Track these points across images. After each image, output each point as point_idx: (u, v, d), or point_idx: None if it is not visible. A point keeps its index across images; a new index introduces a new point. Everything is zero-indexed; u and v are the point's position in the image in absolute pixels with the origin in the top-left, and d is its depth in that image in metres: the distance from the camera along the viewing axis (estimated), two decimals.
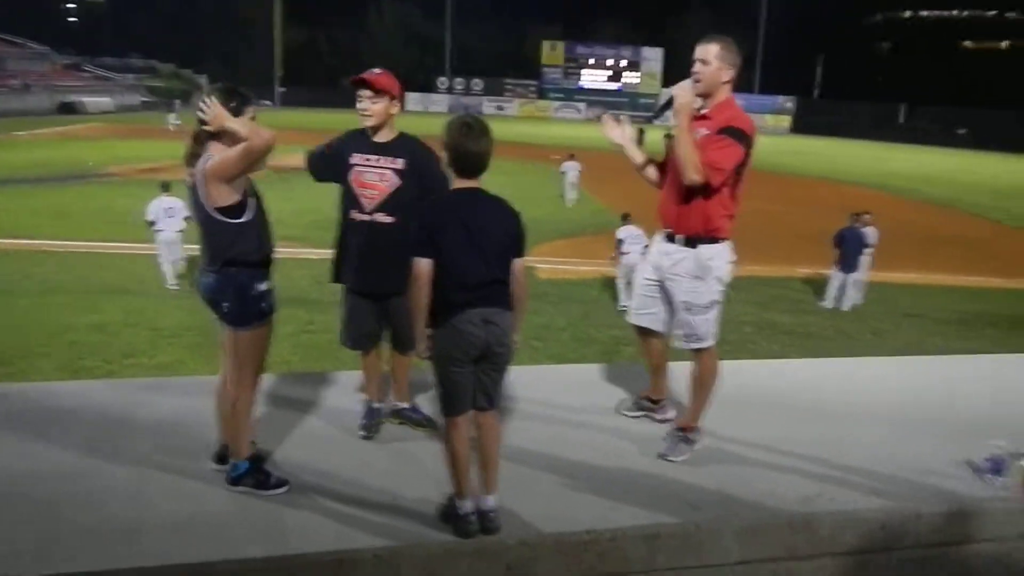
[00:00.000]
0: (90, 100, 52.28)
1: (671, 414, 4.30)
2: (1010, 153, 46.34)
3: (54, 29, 75.29)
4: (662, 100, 3.77)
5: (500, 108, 64.34)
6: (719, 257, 3.84)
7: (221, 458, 3.46)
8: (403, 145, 3.88)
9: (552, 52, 69.88)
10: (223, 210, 3.20)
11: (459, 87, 68.76)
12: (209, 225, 3.24)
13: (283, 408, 4.27)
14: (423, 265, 3.02)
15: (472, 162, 3.08)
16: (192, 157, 3.26)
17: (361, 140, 3.87)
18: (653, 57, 68.52)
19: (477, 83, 69.43)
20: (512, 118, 59.22)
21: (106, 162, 23.64)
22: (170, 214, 10.74)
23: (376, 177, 3.81)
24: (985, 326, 10.74)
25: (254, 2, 71.05)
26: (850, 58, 76.99)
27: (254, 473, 3.36)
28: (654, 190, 4.14)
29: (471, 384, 3.11)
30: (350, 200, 3.85)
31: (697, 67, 3.74)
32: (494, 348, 3.08)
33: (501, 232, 3.11)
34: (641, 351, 4.33)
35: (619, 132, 4.05)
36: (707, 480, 3.69)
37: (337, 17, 75.24)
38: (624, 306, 10.70)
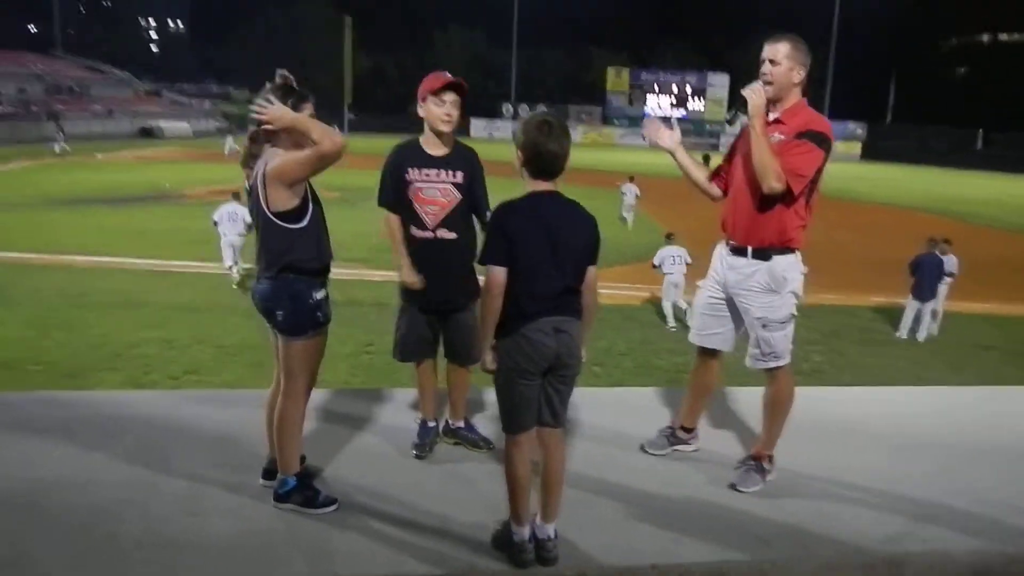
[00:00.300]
0: (168, 125, 54.08)
1: (699, 443, 4.06)
2: None
3: (137, 57, 78.85)
4: (735, 105, 3.55)
5: None
6: (793, 268, 3.61)
7: (269, 473, 3.37)
8: (461, 157, 3.77)
9: (617, 78, 69.84)
10: (282, 215, 3.11)
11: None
12: (267, 229, 3.15)
13: (335, 424, 4.18)
14: (499, 274, 2.84)
15: (550, 163, 2.90)
16: (250, 158, 3.19)
17: (416, 154, 3.74)
18: (719, 83, 67.77)
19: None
20: (576, 145, 58.83)
21: (182, 184, 24.37)
22: (232, 219, 11.57)
23: (438, 193, 3.70)
24: None
25: (326, 31, 73.06)
26: (924, 83, 74.80)
27: (302, 490, 3.25)
28: (713, 208, 3.91)
29: (537, 399, 2.94)
30: (409, 217, 3.73)
31: (766, 68, 3.53)
32: (564, 359, 2.90)
33: (579, 239, 2.93)
34: (694, 373, 4.04)
35: (667, 135, 3.81)
36: (780, 514, 3.43)
37: (404, 44, 76.70)
38: (673, 326, 10.62)
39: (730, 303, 3.76)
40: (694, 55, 75.69)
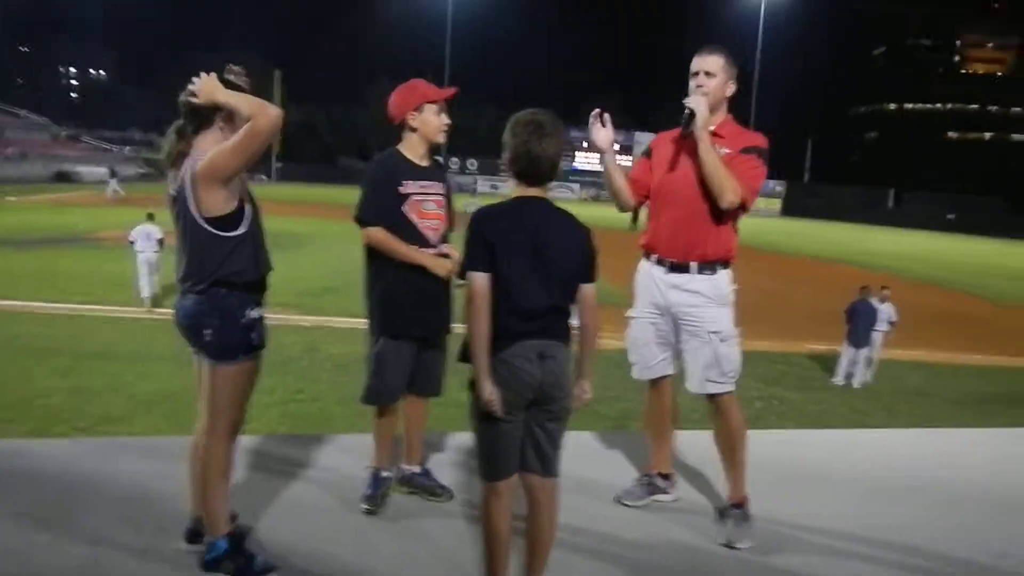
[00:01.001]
0: (85, 170, 52.41)
1: (678, 492, 3.75)
2: (997, 238, 47.24)
3: (57, 103, 76.69)
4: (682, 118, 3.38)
5: (495, 187, 64.73)
6: (730, 282, 3.49)
7: (194, 534, 2.86)
8: (439, 167, 3.61)
9: None
10: (216, 220, 2.68)
11: (454, 166, 69.47)
12: (197, 238, 2.69)
13: (269, 474, 3.67)
14: (482, 280, 2.47)
15: (540, 167, 2.57)
16: (178, 157, 2.75)
17: (405, 166, 3.44)
18: (644, 141, 69.30)
19: (472, 162, 70.21)
20: (506, 197, 59.44)
21: (97, 228, 23.24)
22: (149, 238, 12.53)
23: (434, 206, 3.46)
24: (1002, 405, 10.20)
25: (255, 83, 72.48)
26: (838, 145, 78.95)
27: (234, 555, 2.75)
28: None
29: (519, 438, 2.54)
30: (406, 236, 3.35)
31: (702, 80, 3.38)
32: (549, 391, 2.51)
33: (570, 252, 2.59)
34: (651, 410, 3.70)
35: (603, 134, 3.55)
36: (782, 571, 3.10)
37: (334, 96, 76.74)
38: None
39: (674, 324, 3.51)
40: (621, 114, 77.91)
